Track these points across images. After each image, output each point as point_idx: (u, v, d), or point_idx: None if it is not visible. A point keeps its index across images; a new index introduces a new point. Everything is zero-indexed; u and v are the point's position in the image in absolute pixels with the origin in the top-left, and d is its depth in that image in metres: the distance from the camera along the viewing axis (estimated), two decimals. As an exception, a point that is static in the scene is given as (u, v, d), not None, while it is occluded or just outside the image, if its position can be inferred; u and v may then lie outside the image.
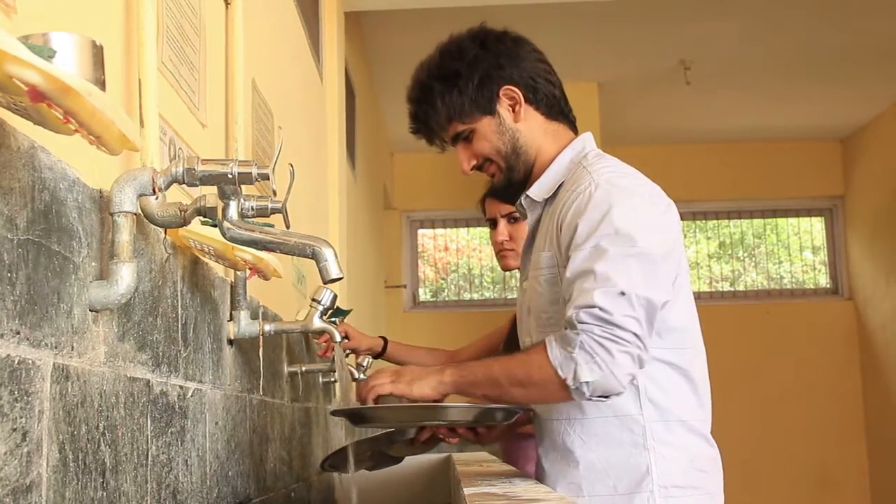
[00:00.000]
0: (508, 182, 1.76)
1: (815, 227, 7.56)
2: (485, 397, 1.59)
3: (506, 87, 1.71)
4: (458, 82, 1.70)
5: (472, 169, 1.76)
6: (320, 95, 3.30)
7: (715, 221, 7.55)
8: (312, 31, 3.12)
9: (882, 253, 6.78)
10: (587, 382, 1.46)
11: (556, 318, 1.64)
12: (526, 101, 1.72)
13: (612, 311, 1.47)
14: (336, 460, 2.17)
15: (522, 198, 1.77)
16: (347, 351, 2.61)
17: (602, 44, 5.31)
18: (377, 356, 2.71)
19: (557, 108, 1.76)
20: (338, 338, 1.99)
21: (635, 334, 1.48)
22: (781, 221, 7.59)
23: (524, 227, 2.47)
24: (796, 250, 7.57)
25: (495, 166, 1.75)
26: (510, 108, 1.72)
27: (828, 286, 7.44)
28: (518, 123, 1.72)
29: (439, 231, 7.51)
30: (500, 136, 1.72)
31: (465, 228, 7.47)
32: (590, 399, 1.51)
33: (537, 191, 1.74)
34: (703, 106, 6.40)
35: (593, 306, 1.48)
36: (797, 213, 7.53)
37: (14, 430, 0.77)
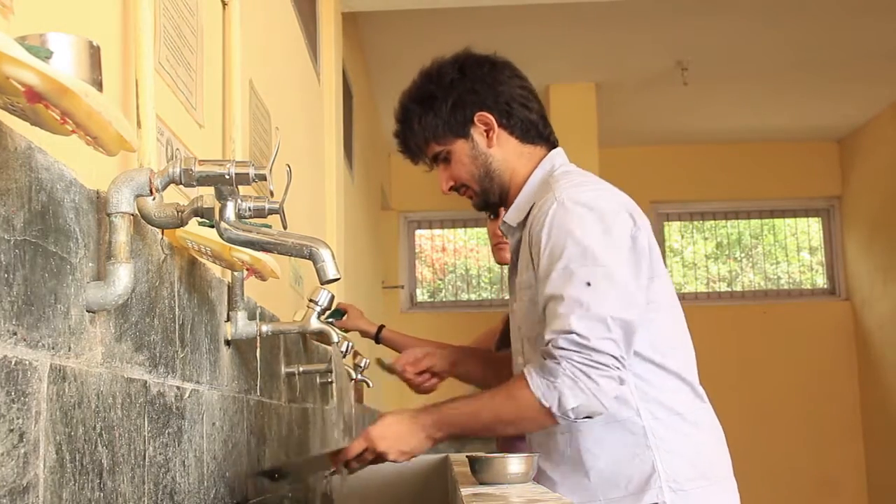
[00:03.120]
0: (485, 205, 1.83)
1: (812, 228, 7.57)
2: (477, 436, 1.71)
3: (479, 112, 1.76)
4: (433, 105, 1.76)
5: (449, 190, 1.82)
6: (318, 96, 3.30)
7: (712, 222, 7.55)
8: (310, 32, 3.12)
9: (879, 253, 6.79)
10: (573, 408, 1.54)
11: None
12: (499, 126, 1.76)
13: (589, 335, 1.52)
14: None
15: (500, 224, 1.83)
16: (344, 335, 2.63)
17: (600, 44, 5.31)
18: (376, 341, 2.74)
19: (534, 132, 1.80)
20: (335, 338, 1.99)
21: (613, 356, 1.53)
22: (779, 222, 7.60)
23: None
24: (793, 251, 7.58)
25: (470, 190, 1.81)
26: (484, 133, 1.77)
27: (825, 287, 7.45)
28: (491, 148, 1.77)
29: (437, 231, 7.51)
30: (474, 159, 1.77)
31: (463, 229, 7.47)
32: (574, 421, 1.59)
33: (512, 215, 1.79)
34: (700, 106, 6.41)
35: (570, 332, 1.52)
36: (794, 213, 7.54)
37: (11, 430, 0.77)
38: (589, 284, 1.54)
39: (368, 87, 5.50)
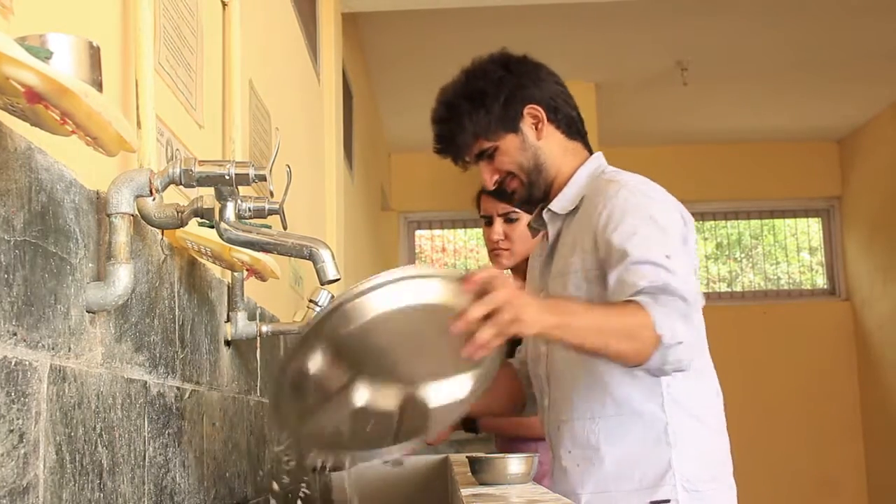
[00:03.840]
0: (529, 197, 1.83)
1: (812, 228, 7.57)
2: (578, 347, 1.48)
3: (530, 105, 1.78)
4: (484, 101, 1.77)
5: (494, 185, 1.82)
6: (317, 96, 3.30)
7: (712, 222, 7.55)
8: (310, 32, 3.12)
9: (879, 253, 6.79)
10: (679, 343, 1.46)
11: None
12: (547, 120, 1.79)
13: (685, 292, 1.52)
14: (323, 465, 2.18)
15: (544, 212, 1.82)
16: None
17: (599, 44, 5.31)
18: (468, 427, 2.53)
19: (575, 129, 1.84)
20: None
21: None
22: (779, 222, 7.60)
23: (520, 228, 2.49)
24: (793, 251, 7.58)
25: (517, 181, 1.81)
26: (533, 126, 1.79)
27: (825, 287, 7.44)
28: (540, 141, 1.79)
29: (437, 232, 7.51)
30: (523, 152, 1.79)
31: (463, 229, 7.47)
32: (662, 367, 1.50)
33: (560, 204, 1.80)
34: (699, 107, 6.40)
35: (668, 284, 1.51)
36: (794, 213, 7.53)
37: (11, 431, 0.77)
38: (668, 257, 1.57)
39: (368, 88, 5.50)
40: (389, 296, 1.15)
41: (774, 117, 6.70)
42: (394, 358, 1.22)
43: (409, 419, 1.28)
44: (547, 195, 1.82)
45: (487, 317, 1.23)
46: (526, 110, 1.78)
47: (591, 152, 1.86)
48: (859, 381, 7.07)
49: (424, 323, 1.21)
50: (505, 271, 2.57)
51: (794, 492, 6.71)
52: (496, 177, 1.80)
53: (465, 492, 1.48)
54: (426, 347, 1.25)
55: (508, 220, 2.53)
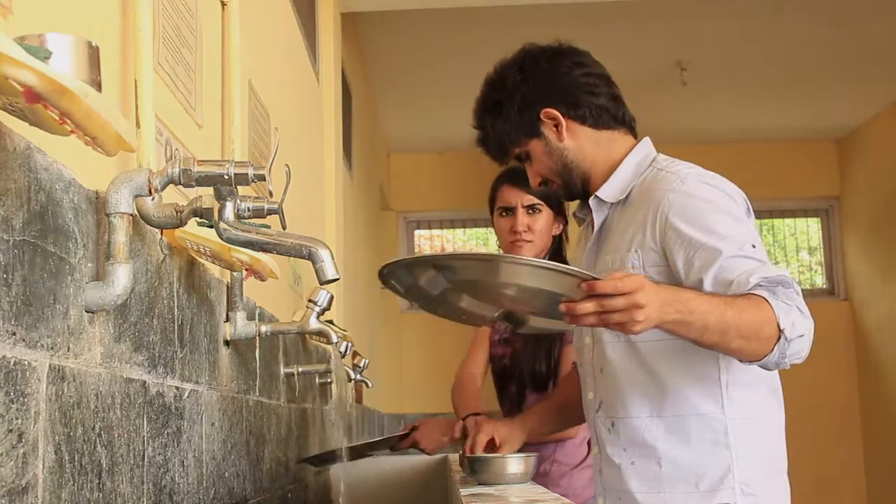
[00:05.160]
0: (570, 195, 1.85)
1: (811, 228, 7.57)
2: (696, 340, 1.51)
3: (544, 109, 1.77)
4: (501, 111, 1.80)
5: (539, 185, 1.86)
6: (317, 96, 3.30)
7: (711, 222, 7.55)
8: (309, 33, 3.12)
9: (878, 253, 6.79)
10: (799, 336, 1.48)
11: None
12: (568, 119, 1.78)
13: (796, 286, 1.53)
14: (315, 459, 2.18)
15: (591, 199, 1.80)
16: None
17: (598, 45, 5.28)
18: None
19: (607, 117, 1.80)
20: (334, 339, 1.99)
21: None
22: (778, 222, 7.60)
23: (542, 220, 2.50)
24: (793, 251, 7.58)
25: (555, 183, 1.83)
26: (554, 129, 1.78)
27: (824, 287, 7.45)
28: (563, 142, 1.78)
29: (436, 232, 7.51)
30: (549, 155, 1.79)
31: (462, 229, 7.47)
32: (781, 361, 1.51)
33: (607, 192, 1.78)
34: (699, 107, 6.41)
35: (785, 275, 1.52)
36: (793, 213, 7.54)
37: (10, 431, 0.77)
38: (754, 247, 1.58)
39: (368, 88, 5.50)
40: (531, 273, 1.47)
41: (773, 117, 6.70)
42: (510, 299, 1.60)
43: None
44: (586, 190, 1.81)
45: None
46: (542, 114, 1.77)
47: (635, 135, 1.85)
48: (859, 381, 7.07)
49: (541, 296, 1.51)
50: None
51: (793, 491, 6.70)
52: (538, 178, 1.84)
53: (464, 492, 1.48)
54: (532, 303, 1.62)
55: (532, 210, 2.52)
